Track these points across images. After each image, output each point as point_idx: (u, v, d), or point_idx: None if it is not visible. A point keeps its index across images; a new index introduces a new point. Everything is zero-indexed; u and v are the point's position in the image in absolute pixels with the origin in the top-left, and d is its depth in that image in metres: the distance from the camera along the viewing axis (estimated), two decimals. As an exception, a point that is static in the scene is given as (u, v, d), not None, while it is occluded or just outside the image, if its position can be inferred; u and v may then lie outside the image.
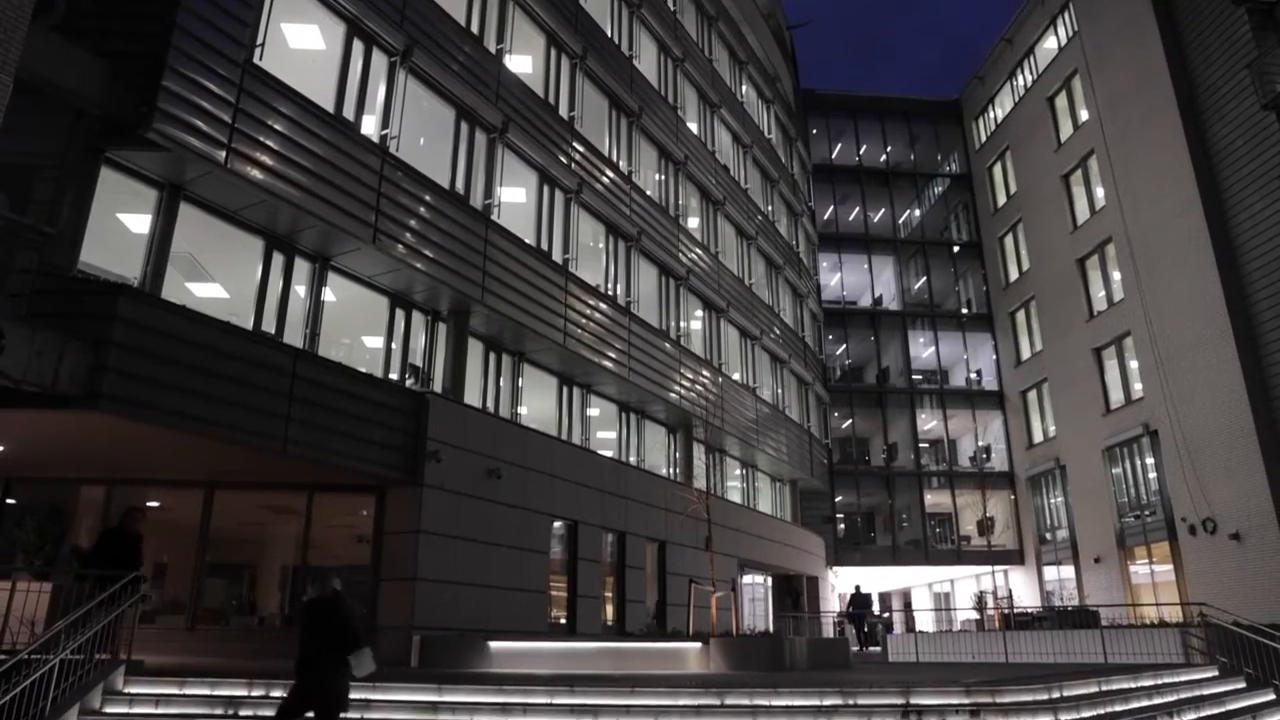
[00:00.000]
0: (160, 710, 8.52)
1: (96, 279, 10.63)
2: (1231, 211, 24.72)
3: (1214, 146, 25.50)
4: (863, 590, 26.23)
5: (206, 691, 8.86)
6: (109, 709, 8.50)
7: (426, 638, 12.82)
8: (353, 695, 8.74)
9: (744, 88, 31.75)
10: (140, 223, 11.74)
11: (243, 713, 8.54)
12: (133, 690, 8.77)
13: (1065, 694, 9.66)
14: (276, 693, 8.94)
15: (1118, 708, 9.86)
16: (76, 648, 8.22)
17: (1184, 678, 12.74)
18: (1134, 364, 28.52)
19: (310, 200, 12.69)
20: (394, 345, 15.25)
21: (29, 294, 9.81)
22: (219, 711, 8.55)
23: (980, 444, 37.99)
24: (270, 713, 8.53)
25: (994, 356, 38.64)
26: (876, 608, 37.61)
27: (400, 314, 15.45)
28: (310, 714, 7.04)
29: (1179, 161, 26.14)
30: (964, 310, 40.01)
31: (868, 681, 10.14)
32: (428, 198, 15.07)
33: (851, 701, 9.01)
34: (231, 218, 12.63)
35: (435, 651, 12.62)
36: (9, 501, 13.76)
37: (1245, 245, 24.17)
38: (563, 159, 18.96)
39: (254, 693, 8.93)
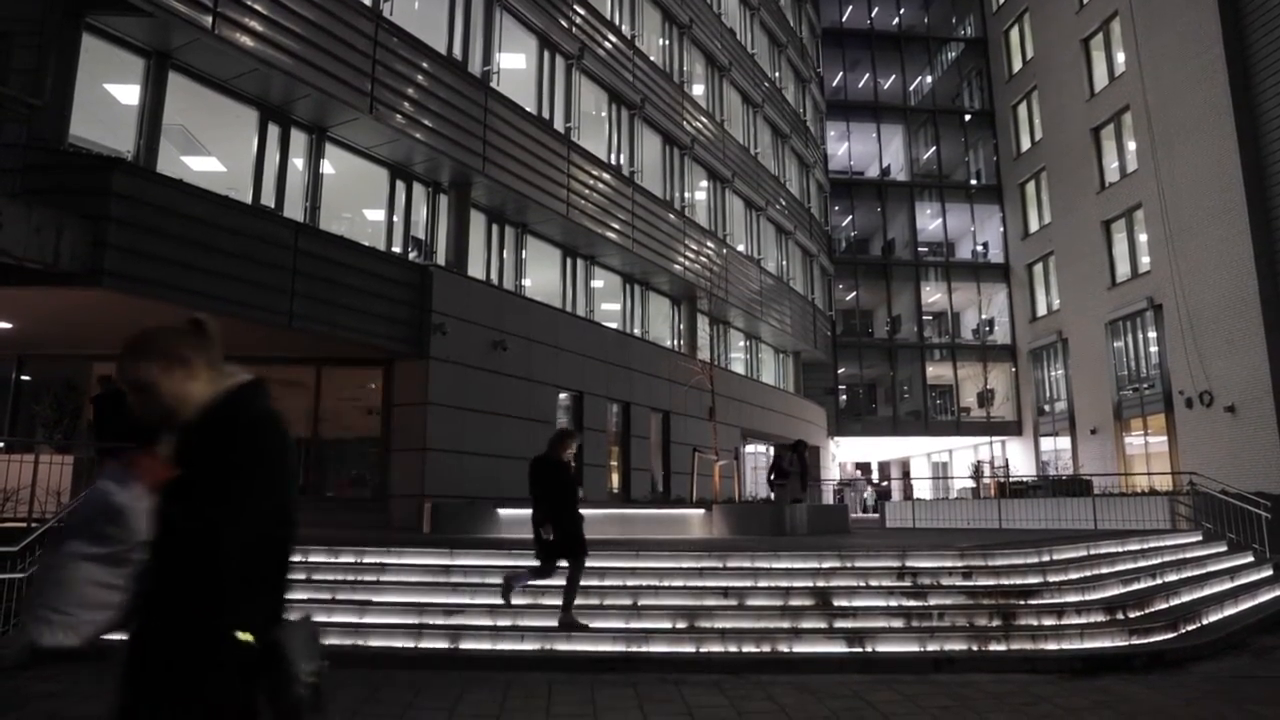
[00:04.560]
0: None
1: (89, 153, 10.41)
2: (1257, 78, 23.81)
3: (1245, 6, 24.32)
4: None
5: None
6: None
7: (438, 505, 13.24)
8: (369, 560, 9.17)
9: (753, -57, 30.09)
10: (129, 94, 11.40)
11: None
12: (158, 555, 9.12)
13: (1055, 558, 10.02)
14: (294, 559, 9.33)
15: (1104, 570, 10.23)
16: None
17: (1169, 542, 13.16)
18: (1143, 237, 28.14)
19: (303, 68, 12.27)
20: (396, 218, 15.08)
21: (21, 169, 9.63)
22: (242, 575, 8.91)
23: (984, 317, 38.01)
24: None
25: (1001, 229, 38.12)
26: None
27: (401, 186, 15.21)
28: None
29: (1207, 21, 24.96)
30: (973, 181, 39.21)
31: (865, 546, 10.51)
32: (425, 65, 14.56)
33: (849, 564, 9.35)
34: (223, 88, 12.26)
35: (446, 518, 13.05)
36: (23, 378, 13.97)
37: (1268, 114, 23.40)
38: (563, 22, 18.19)
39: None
